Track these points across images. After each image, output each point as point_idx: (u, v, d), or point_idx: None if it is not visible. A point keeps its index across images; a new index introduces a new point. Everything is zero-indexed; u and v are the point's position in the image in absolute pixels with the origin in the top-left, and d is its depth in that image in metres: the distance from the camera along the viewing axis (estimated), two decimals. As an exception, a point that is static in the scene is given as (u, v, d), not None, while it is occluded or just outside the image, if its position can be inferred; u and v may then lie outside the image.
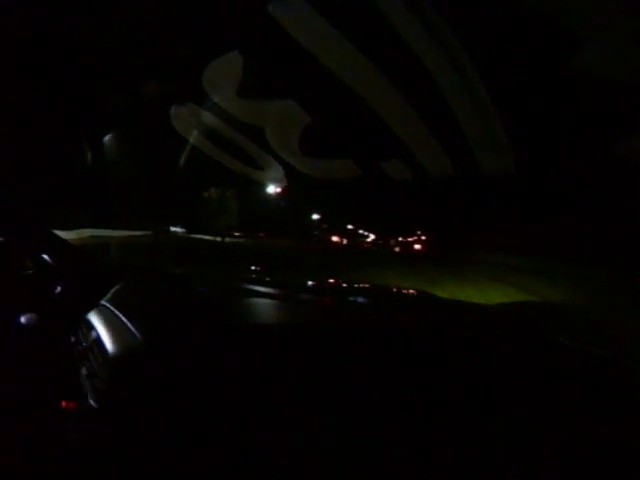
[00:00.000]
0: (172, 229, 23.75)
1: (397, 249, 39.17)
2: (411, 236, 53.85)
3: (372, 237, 59.88)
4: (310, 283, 1.76)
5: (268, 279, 1.58)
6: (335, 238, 41.25)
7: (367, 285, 2.02)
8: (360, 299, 1.52)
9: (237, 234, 27.88)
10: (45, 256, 0.97)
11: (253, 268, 1.95)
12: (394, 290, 1.89)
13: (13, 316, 0.78)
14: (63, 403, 0.59)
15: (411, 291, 1.94)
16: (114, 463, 0.53)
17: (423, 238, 50.36)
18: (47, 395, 0.61)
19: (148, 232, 15.75)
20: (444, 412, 0.65)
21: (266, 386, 0.68)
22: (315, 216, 37.51)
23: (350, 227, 49.69)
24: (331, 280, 1.98)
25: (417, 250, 41.16)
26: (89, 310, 0.90)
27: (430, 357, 0.86)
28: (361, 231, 55.98)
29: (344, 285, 1.90)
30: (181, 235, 23.18)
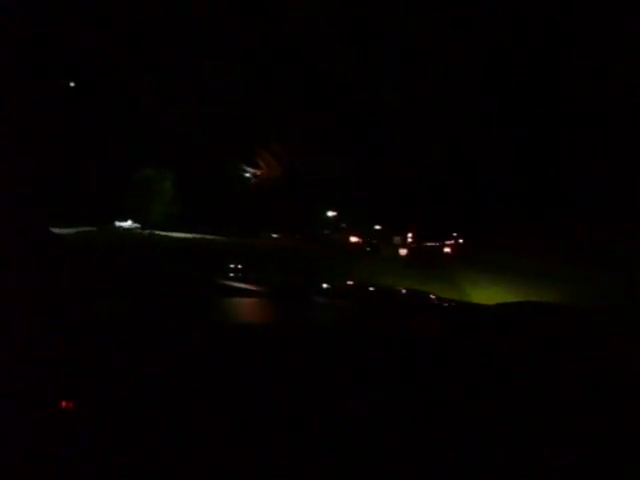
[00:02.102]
0: (118, 224, 19.95)
1: (403, 252, 27.77)
2: (447, 239, 48.13)
3: (408, 240, 54.81)
4: (306, 283, 1.76)
5: (254, 277, 1.57)
6: (354, 239, 32.57)
7: (366, 285, 2.02)
8: (358, 299, 1.52)
9: (275, 235, 25.07)
10: (42, 253, 0.98)
11: (232, 266, 1.88)
12: (393, 290, 1.89)
13: (12, 314, 0.78)
14: (63, 403, 0.59)
15: (411, 291, 1.94)
16: (114, 463, 0.53)
17: (460, 241, 43.54)
18: (47, 395, 0.61)
19: (92, 228, 14.11)
20: (444, 412, 0.65)
21: (265, 386, 0.68)
22: (331, 213, 31.94)
23: (378, 227, 42.34)
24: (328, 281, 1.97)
25: (446, 254, 34.02)
26: (86, 306, 0.90)
27: (430, 357, 0.85)
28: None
29: (340, 285, 1.89)
30: (130, 231, 19.33)
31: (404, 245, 33.63)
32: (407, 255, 26.43)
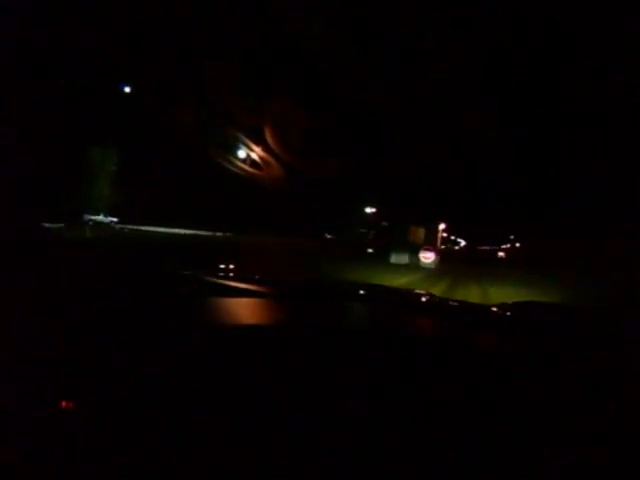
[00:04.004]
0: (87, 218, 17.04)
1: (428, 258, 15.69)
2: (503, 242, 45.78)
3: (462, 243, 50.52)
4: (302, 282, 1.75)
5: (249, 276, 1.55)
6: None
7: (364, 285, 2.02)
8: (357, 299, 1.52)
9: (329, 236, 19.89)
10: (38, 249, 0.98)
11: (223, 267, 1.86)
12: (392, 290, 1.89)
13: (11, 311, 0.78)
14: (63, 403, 0.59)
15: (411, 291, 1.94)
16: (114, 463, 0.53)
17: (517, 245, 39.64)
18: (47, 395, 0.61)
19: (60, 224, 12.70)
20: (444, 412, 0.65)
21: (266, 386, 0.68)
22: (369, 210, 25.64)
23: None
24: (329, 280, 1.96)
25: (500, 259, 30.99)
26: (86, 306, 0.90)
27: (430, 357, 0.85)
28: (452, 237, 44.31)
29: (341, 285, 1.89)
30: (102, 225, 16.66)
31: (433, 247, 17.99)
32: (435, 261, 15.66)
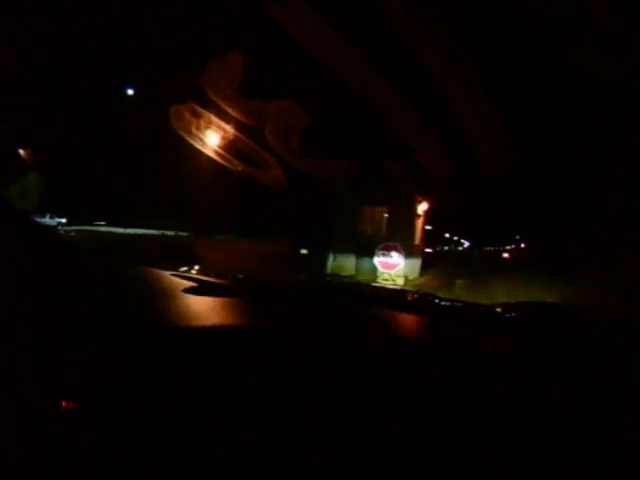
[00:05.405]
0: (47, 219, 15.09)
1: (388, 266, 7.97)
2: (508, 243, 45.65)
3: (467, 244, 49.57)
4: (296, 282, 1.75)
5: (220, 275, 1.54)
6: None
7: (364, 285, 2.02)
8: (357, 299, 1.52)
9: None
10: (38, 251, 0.97)
11: (185, 268, 1.84)
12: (393, 290, 1.89)
13: (11, 311, 0.78)
14: (63, 403, 0.59)
15: (411, 291, 1.94)
16: (114, 463, 0.53)
17: (522, 246, 39.48)
18: (47, 395, 0.61)
19: None
20: (444, 413, 0.65)
21: (266, 385, 0.68)
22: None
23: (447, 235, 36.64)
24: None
25: (504, 260, 31.24)
26: (86, 306, 0.90)
27: (430, 357, 0.86)
28: (455, 237, 45.02)
29: (336, 285, 1.89)
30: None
31: (399, 246, 8.24)
32: (407, 270, 9.14)
